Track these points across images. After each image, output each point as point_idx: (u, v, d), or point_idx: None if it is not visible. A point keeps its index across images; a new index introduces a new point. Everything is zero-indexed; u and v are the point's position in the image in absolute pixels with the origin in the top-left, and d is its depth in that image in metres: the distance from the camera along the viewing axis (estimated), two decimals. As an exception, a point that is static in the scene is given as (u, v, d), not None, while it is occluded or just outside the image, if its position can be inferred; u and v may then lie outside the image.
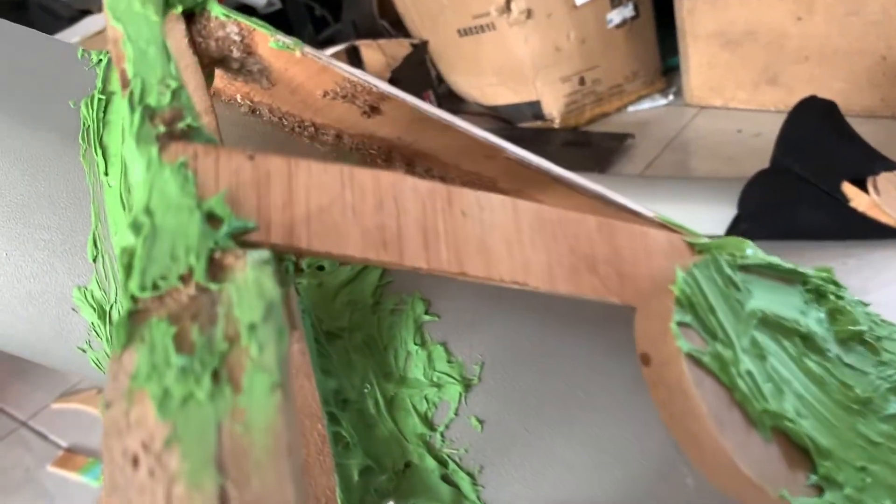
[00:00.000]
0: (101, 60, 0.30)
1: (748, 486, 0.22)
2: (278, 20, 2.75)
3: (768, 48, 1.69)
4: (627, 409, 0.26)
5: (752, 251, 0.29)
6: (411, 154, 0.32)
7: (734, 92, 1.80)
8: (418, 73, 2.04)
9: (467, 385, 0.26)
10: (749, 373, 0.24)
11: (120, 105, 0.27)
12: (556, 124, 1.92)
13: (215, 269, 0.19)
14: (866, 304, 0.30)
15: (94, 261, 0.27)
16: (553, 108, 1.90)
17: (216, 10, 0.27)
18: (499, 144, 0.29)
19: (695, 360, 0.23)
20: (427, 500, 0.26)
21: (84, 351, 0.28)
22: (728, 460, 0.22)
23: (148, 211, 0.20)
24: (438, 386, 0.26)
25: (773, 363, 0.25)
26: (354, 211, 0.22)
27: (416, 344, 0.26)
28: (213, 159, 0.21)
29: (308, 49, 0.28)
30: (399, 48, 2.07)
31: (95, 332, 0.27)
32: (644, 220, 0.30)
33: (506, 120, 2.02)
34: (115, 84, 0.28)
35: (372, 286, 0.27)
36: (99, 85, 0.28)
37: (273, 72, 0.29)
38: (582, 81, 1.89)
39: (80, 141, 0.27)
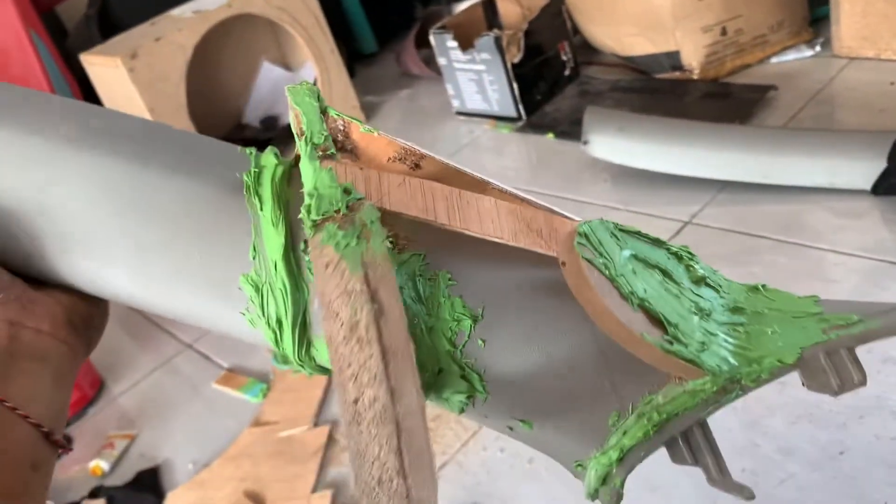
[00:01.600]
0: (251, 153, 0.45)
1: (620, 327, 0.37)
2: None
3: (930, -5, 1.60)
4: (570, 312, 0.41)
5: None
6: None
7: (889, 42, 1.72)
8: (555, 23, 2.05)
9: (475, 320, 0.40)
10: (622, 276, 0.39)
11: (272, 168, 0.43)
12: (695, 75, 1.89)
13: (351, 210, 0.37)
14: (715, 271, 0.43)
15: (254, 258, 0.41)
16: (692, 59, 1.88)
17: (331, 111, 0.44)
18: (484, 180, 0.45)
19: (587, 261, 0.38)
20: (453, 391, 0.40)
21: (243, 314, 0.42)
22: (607, 310, 0.37)
23: (315, 189, 0.38)
24: (458, 321, 0.40)
25: (642, 279, 0.40)
26: (411, 197, 0.40)
27: (443, 297, 0.40)
28: (343, 168, 0.40)
29: (381, 132, 0.45)
30: (536, -1, 2.09)
31: (251, 300, 0.42)
32: (558, 214, 0.44)
33: (642, 71, 2.01)
34: (267, 159, 0.44)
35: (418, 263, 0.41)
36: (253, 162, 0.44)
37: (359, 148, 0.45)
38: (724, 31, 1.85)
39: (245, 192, 0.43)
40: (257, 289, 0.41)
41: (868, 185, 1.35)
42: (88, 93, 2.17)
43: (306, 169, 0.40)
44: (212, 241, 0.43)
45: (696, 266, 0.42)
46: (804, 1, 1.89)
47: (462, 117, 2.16)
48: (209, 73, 2.36)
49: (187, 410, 1.49)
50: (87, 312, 0.47)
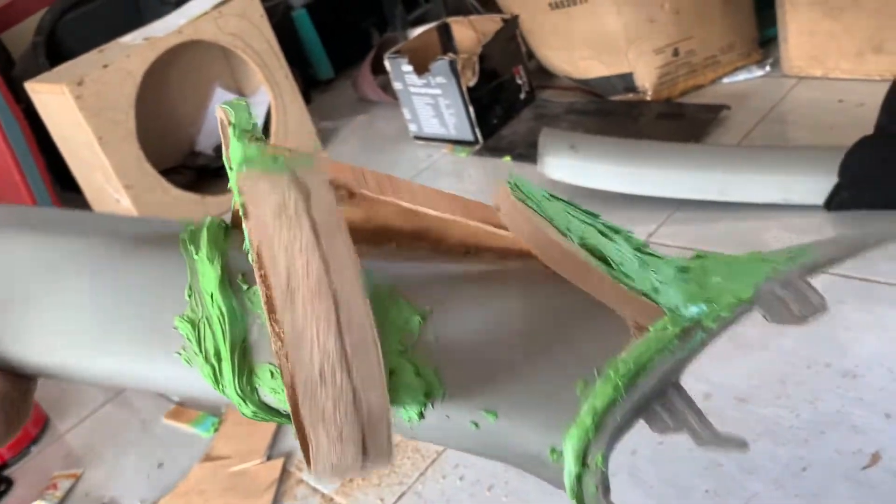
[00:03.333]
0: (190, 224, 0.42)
1: (565, 256, 0.37)
2: (371, 1, 2.80)
3: (876, 15, 1.63)
4: (517, 285, 0.41)
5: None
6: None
7: (836, 61, 1.75)
8: (509, 48, 2.05)
9: (423, 317, 0.38)
10: (556, 217, 0.38)
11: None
12: (649, 96, 1.90)
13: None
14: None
15: (189, 297, 0.38)
16: (646, 81, 1.89)
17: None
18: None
19: (522, 203, 0.38)
20: (409, 395, 0.37)
21: (179, 354, 0.39)
22: (551, 240, 0.37)
23: (243, 159, 0.37)
24: (406, 321, 0.38)
25: (578, 225, 0.39)
26: (343, 171, 0.39)
27: (388, 301, 0.39)
28: (272, 148, 0.37)
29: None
30: (490, 24, 2.09)
31: (188, 338, 0.39)
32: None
33: (597, 94, 2.02)
34: (205, 219, 0.41)
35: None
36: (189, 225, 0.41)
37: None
38: (676, 53, 1.86)
39: (181, 245, 0.40)
40: (193, 325, 0.39)
41: (821, 201, 1.35)
42: (36, 123, 2.11)
43: (235, 150, 0.37)
44: (143, 289, 0.41)
45: (634, 237, 0.40)
46: (753, 22, 1.92)
47: (420, 142, 2.15)
48: (160, 100, 2.32)
49: (136, 446, 1.43)
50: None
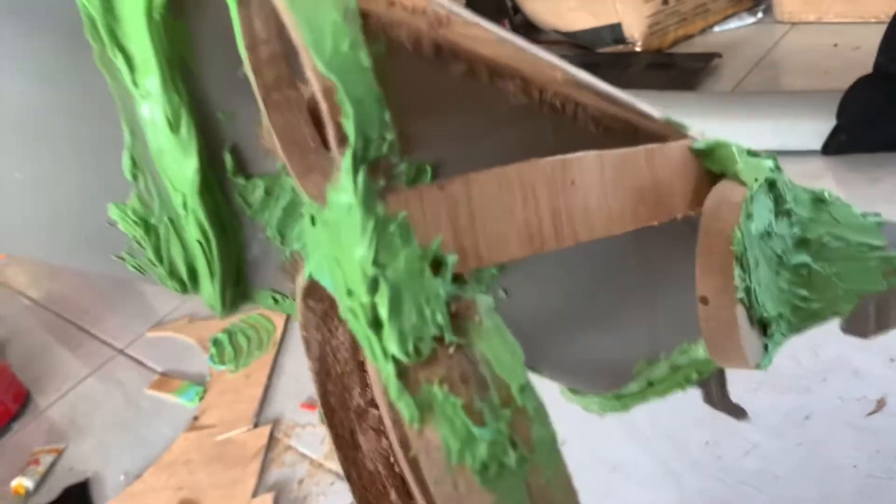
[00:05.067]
0: None
1: (744, 363, 0.33)
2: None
3: (869, -47, 1.58)
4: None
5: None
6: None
7: (830, 5, 1.70)
8: (492, 0, 1.99)
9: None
10: (756, 291, 0.32)
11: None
12: (638, 47, 1.85)
13: (456, 322, 0.23)
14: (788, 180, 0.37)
15: (135, 178, 0.27)
16: (635, 31, 1.83)
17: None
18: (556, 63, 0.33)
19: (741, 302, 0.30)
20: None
21: (123, 259, 0.30)
22: (742, 357, 0.32)
23: (379, 265, 0.22)
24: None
25: (761, 265, 0.33)
26: (511, 213, 0.25)
27: None
28: (418, 202, 0.23)
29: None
30: (473, -23, 2.02)
31: (139, 243, 0.29)
32: (653, 121, 0.33)
33: (585, 46, 1.96)
34: None
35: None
36: None
37: None
38: (665, 1, 1.80)
39: (90, 40, 0.24)
40: (147, 228, 0.28)
41: (818, 146, 1.31)
42: None
43: (352, 229, 0.23)
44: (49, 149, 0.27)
45: (784, 192, 0.36)
46: (744, -32, 1.86)
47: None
48: None
49: (119, 419, 1.40)
50: None
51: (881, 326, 0.35)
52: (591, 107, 0.31)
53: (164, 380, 1.42)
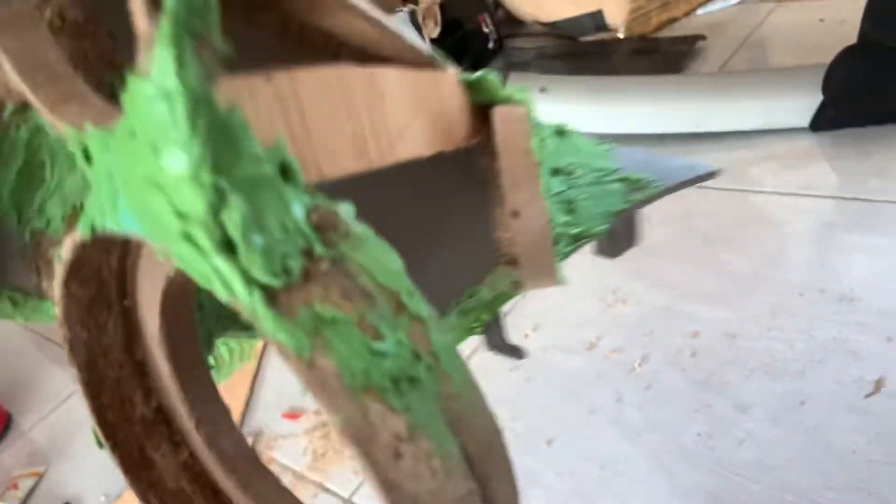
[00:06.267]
0: None
1: (552, 277, 0.34)
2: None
3: (851, -76, 1.53)
4: None
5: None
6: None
7: (815, -20, 1.65)
8: (473, -4, 1.95)
9: None
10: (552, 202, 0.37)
11: None
12: (621, 34, 1.81)
13: (321, 235, 0.20)
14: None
15: None
16: (616, 17, 1.79)
17: None
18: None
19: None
20: None
21: None
22: (552, 269, 0.34)
23: (220, 170, 0.18)
24: None
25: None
26: (338, 121, 0.23)
27: None
28: (249, 95, 0.20)
29: None
30: (452, -28, 1.99)
31: None
32: (421, 55, 0.32)
33: (568, 36, 1.92)
34: None
35: None
36: None
37: None
38: (646, -15, 1.76)
39: None
40: None
41: (806, 122, 1.27)
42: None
43: (173, 130, 0.19)
44: None
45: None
46: (726, -52, 1.82)
47: (387, 103, 2.05)
48: None
49: (101, 438, 1.36)
50: None
51: (630, 243, 0.39)
52: (355, 39, 0.30)
53: None
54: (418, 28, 1.83)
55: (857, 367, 0.87)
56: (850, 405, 0.84)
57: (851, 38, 1.31)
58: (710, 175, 0.42)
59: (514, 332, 1.14)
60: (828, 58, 1.31)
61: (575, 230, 0.36)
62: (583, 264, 1.21)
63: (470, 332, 0.38)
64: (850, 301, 0.96)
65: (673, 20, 1.81)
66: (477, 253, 0.35)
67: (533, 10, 1.93)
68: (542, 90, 1.49)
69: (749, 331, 0.97)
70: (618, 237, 0.39)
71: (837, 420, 0.83)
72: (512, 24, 2.09)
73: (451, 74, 0.31)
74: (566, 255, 0.36)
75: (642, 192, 0.38)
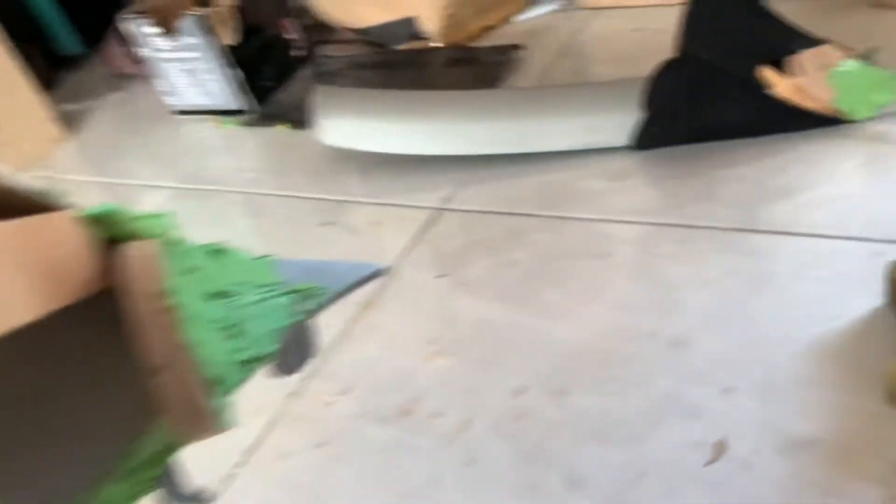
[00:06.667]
0: None
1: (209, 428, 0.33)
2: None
3: (663, -70, 1.49)
4: None
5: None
6: None
7: (627, -13, 1.60)
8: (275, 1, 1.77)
9: None
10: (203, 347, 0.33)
11: None
12: (437, 42, 1.68)
13: None
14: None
15: None
16: (431, 24, 1.67)
17: None
18: None
19: None
20: None
21: None
22: (208, 420, 0.33)
23: None
24: None
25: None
26: None
27: None
28: None
29: None
30: (251, -28, 1.78)
31: None
32: (29, 194, 0.28)
33: (381, 44, 1.78)
34: None
35: None
36: None
37: None
38: (459, -11, 1.65)
39: None
40: None
41: (628, 141, 1.19)
42: None
43: None
44: None
45: (185, 248, 0.36)
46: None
47: (184, 116, 1.82)
48: None
49: None
50: None
51: (304, 357, 0.38)
52: None
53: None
54: (211, 34, 1.62)
55: (695, 427, 0.78)
56: (693, 475, 0.74)
57: (669, 46, 1.25)
58: (378, 274, 0.38)
59: (319, 397, 0.98)
60: (647, 68, 1.24)
61: (244, 355, 0.35)
62: (401, 311, 1.04)
63: (137, 494, 0.36)
64: (683, 346, 0.87)
65: (489, 28, 1.72)
66: (126, 409, 0.33)
67: (342, 15, 1.77)
68: (351, 107, 1.33)
69: (579, 386, 0.86)
70: (290, 353, 0.37)
71: (682, 494, 0.73)
72: (323, 30, 1.92)
73: (65, 214, 0.29)
74: (239, 382, 0.34)
75: (312, 300, 0.38)
